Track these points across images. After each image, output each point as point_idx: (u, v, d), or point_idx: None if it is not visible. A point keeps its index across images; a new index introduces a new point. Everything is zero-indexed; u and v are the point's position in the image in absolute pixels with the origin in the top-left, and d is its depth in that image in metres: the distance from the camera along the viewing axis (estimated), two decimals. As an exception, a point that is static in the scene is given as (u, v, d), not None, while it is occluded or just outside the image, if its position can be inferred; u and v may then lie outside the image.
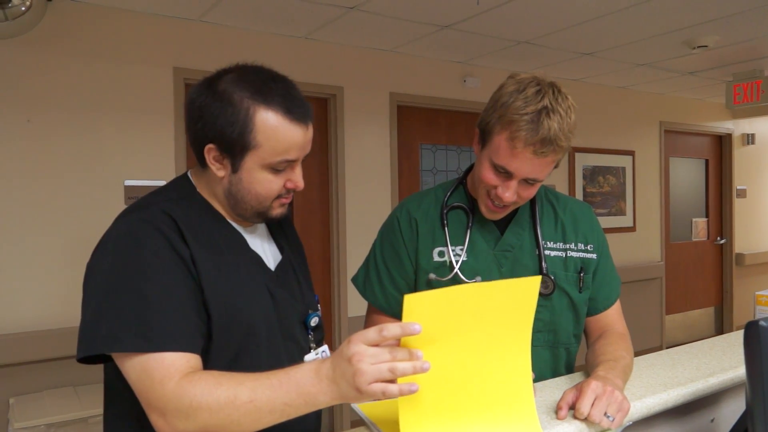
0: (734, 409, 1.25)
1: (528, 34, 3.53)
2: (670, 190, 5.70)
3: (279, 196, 1.09)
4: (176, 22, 3.13)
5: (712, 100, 5.81)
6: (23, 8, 2.48)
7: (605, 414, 0.95)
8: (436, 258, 1.28)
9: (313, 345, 1.16)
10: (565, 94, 1.19)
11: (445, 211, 1.30)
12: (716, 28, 3.49)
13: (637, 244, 5.32)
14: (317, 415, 1.18)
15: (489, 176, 1.19)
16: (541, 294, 1.21)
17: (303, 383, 0.86)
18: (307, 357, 1.12)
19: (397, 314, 1.32)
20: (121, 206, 2.97)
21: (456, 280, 1.24)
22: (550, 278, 1.25)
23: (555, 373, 1.30)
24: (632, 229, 5.28)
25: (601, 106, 5.03)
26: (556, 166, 1.22)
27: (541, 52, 3.90)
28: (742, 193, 6.19)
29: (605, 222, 5.07)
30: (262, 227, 1.20)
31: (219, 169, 1.06)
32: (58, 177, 2.82)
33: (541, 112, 1.12)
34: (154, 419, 0.92)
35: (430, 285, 1.27)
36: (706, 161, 6.04)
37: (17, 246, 2.74)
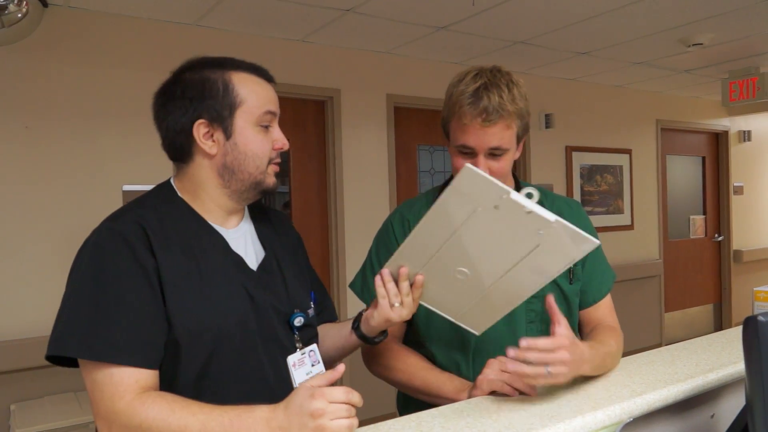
0: (734, 404, 1.26)
1: (524, 34, 3.54)
2: (667, 188, 5.71)
3: (271, 160, 1.12)
4: (173, 27, 3.13)
5: (709, 98, 5.82)
6: (19, 15, 2.49)
7: (545, 366, 0.99)
8: None
9: (299, 345, 1.15)
10: (506, 72, 1.26)
11: None
12: (711, 26, 3.50)
13: (635, 242, 5.33)
14: None
15: (458, 162, 1.27)
16: None
17: (252, 430, 0.89)
18: (291, 358, 1.12)
19: None
20: (120, 211, 2.98)
21: None
22: None
23: None
24: (630, 227, 5.29)
25: (597, 105, 5.04)
26: (521, 138, 1.28)
27: (537, 52, 3.91)
28: (739, 190, 6.21)
29: (603, 220, 5.08)
30: (245, 227, 1.18)
31: (211, 146, 1.08)
32: (57, 182, 2.82)
33: (479, 89, 1.20)
34: (100, 426, 0.95)
35: None
36: (703, 159, 6.06)
37: (16, 252, 2.74)
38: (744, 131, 6.22)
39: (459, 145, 1.25)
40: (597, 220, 5.03)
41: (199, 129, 1.07)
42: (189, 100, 1.08)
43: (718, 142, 6.15)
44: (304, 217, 3.70)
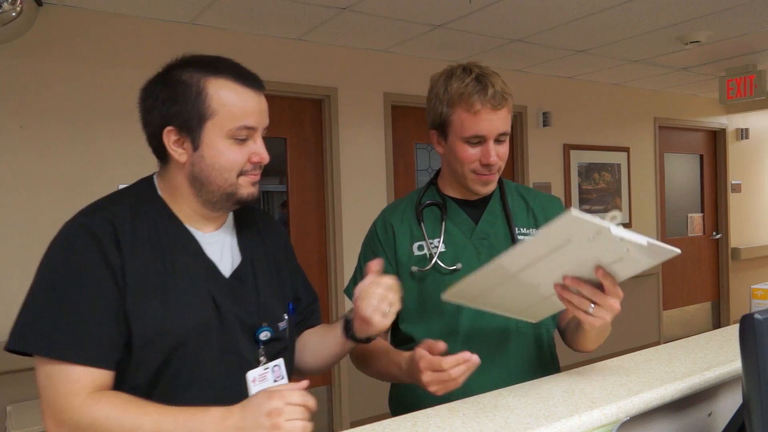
0: (731, 402, 1.25)
1: (521, 32, 3.53)
2: (665, 186, 5.71)
3: (245, 172, 1.05)
4: (168, 26, 3.12)
5: (706, 96, 5.82)
6: (14, 14, 2.48)
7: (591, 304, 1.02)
8: (416, 252, 1.36)
9: (263, 359, 1.09)
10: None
11: (420, 209, 1.38)
12: (708, 24, 3.50)
13: (633, 240, 5.33)
14: None
15: (467, 153, 1.28)
16: None
17: (206, 428, 0.89)
18: (251, 373, 1.05)
19: None
20: (116, 211, 2.97)
21: (436, 269, 1.32)
22: None
23: (539, 354, 1.36)
24: (628, 225, 5.29)
25: (595, 103, 5.04)
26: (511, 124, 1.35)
27: (534, 50, 3.91)
28: (736, 188, 6.21)
29: (601, 219, 5.07)
30: (225, 233, 1.13)
31: (181, 154, 1.04)
32: (52, 182, 2.81)
33: (478, 78, 1.25)
34: (48, 425, 0.93)
35: (413, 277, 1.34)
36: (701, 156, 6.06)
37: (12, 253, 2.73)
38: (741, 129, 6.22)
39: (470, 136, 1.26)
40: (595, 219, 5.03)
41: (169, 136, 1.03)
42: (162, 102, 1.03)
43: (716, 139, 6.15)
44: (301, 217, 3.69)
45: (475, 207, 1.38)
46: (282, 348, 1.15)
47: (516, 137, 4.52)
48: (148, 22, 3.07)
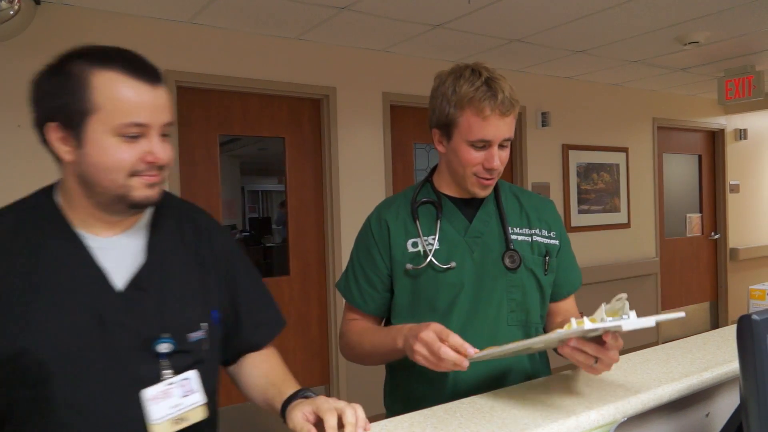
0: (729, 403, 1.25)
1: (520, 32, 3.53)
2: (663, 186, 5.71)
3: (138, 173, 0.95)
4: (167, 25, 3.12)
5: (705, 96, 5.83)
6: (11, 12, 2.47)
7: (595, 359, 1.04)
8: (410, 249, 1.36)
9: (168, 373, 0.98)
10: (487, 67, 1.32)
11: (415, 207, 1.39)
12: (707, 24, 3.50)
13: (631, 240, 5.34)
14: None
15: (471, 156, 1.29)
16: (508, 268, 1.33)
17: None
18: (148, 391, 0.95)
19: (371, 311, 1.41)
20: (114, 210, 2.96)
21: (431, 266, 1.33)
22: (517, 252, 1.34)
23: (530, 354, 1.37)
24: (627, 225, 5.29)
25: (594, 103, 5.04)
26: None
27: (533, 50, 3.91)
28: (735, 188, 6.21)
29: (600, 219, 5.08)
30: (130, 236, 1.03)
31: (66, 152, 0.96)
32: (48, 180, 2.80)
33: (488, 82, 1.25)
34: None
35: (408, 274, 1.34)
36: (700, 157, 6.06)
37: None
38: (740, 129, 6.22)
39: (476, 140, 1.27)
40: (593, 219, 5.03)
41: (53, 132, 0.95)
42: (47, 96, 0.95)
43: (714, 140, 6.16)
44: (299, 216, 3.68)
45: (470, 205, 1.40)
46: (195, 361, 1.03)
47: (515, 137, 4.49)
48: (146, 20, 3.06)
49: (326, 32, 3.41)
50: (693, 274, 5.97)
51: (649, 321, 0.94)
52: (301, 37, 3.49)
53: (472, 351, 1.04)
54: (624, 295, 0.96)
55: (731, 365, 1.20)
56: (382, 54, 3.86)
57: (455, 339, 1.05)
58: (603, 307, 0.98)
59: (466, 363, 1.04)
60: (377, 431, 0.95)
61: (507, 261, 1.33)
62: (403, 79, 3.94)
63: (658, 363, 1.24)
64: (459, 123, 1.28)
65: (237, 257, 1.17)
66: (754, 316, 0.87)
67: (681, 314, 0.99)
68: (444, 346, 1.05)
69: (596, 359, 1.02)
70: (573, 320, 0.96)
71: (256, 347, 1.19)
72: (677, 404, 1.14)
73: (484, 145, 1.28)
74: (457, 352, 1.04)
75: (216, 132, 3.38)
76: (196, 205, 1.20)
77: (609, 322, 0.93)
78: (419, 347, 1.08)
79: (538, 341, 1.02)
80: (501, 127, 1.27)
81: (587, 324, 0.93)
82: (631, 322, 0.93)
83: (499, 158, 1.30)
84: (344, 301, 1.46)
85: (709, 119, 5.98)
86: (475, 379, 1.28)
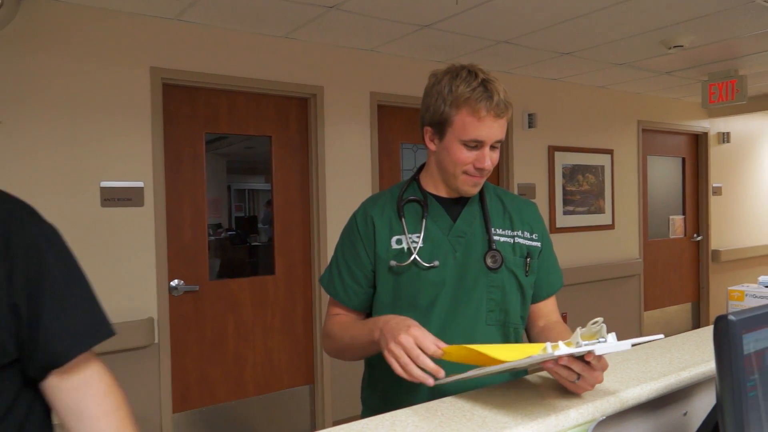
0: (707, 402, 1.27)
1: (507, 34, 3.55)
2: (648, 188, 5.77)
3: None
4: (153, 21, 3.09)
5: (689, 100, 5.90)
6: (-5, 6, 2.44)
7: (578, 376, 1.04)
8: (395, 245, 1.37)
9: None
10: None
11: (401, 204, 1.40)
12: (692, 28, 3.54)
13: (616, 241, 5.39)
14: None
15: (463, 155, 1.31)
16: (490, 268, 1.35)
17: None
18: None
19: (355, 306, 1.42)
20: (98, 208, 2.93)
21: (415, 264, 1.34)
22: (499, 253, 1.36)
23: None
24: (611, 227, 5.34)
25: (580, 105, 5.08)
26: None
27: (520, 52, 3.93)
28: (717, 191, 6.30)
29: (585, 220, 5.13)
30: None
31: None
32: (33, 178, 2.78)
33: (484, 83, 1.28)
34: None
35: (392, 271, 1.36)
36: (683, 159, 6.14)
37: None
38: (723, 133, 6.31)
39: (469, 140, 1.29)
40: (578, 220, 5.08)
41: None
42: None
43: (698, 143, 6.23)
44: (285, 215, 3.68)
45: (455, 205, 1.41)
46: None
47: (501, 138, 4.54)
48: (132, 17, 3.04)
49: (314, 31, 3.40)
50: (675, 275, 6.05)
51: (625, 344, 0.96)
52: (288, 36, 3.49)
53: (442, 374, 1.06)
54: (600, 319, 0.98)
55: (709, 365, 1.22)
56: (370, 54, 3.87)
57: (427, 361, 1.06)
58: (578, 331, 0.99)
59: (431, 381, 1.06)
60: (358, 429, 0.95)
61: (489, 261, 1.35)
62: (391, 79, 3.95)
63: (637, 362, 1.26)
64: (453, 122, 1.30)
65: (47, 253, 0.96)
66: (731, 317, 0.89)
67: (660, 336, 1.03)
68: (423, 355, 1.06)
69: (579, 376, 1.02)
70: (548, 344, 0.97)
71: (59, 359, 0.94)
72: (655, 403, 1.16)
73: (477, 145, 1.30)
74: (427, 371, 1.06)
75: (202, 130, 3.37)
76: (7, 195, 1.00)
77: (583, 347, 0.95)
78: (395, 348, 1.09)
79: (508, 366, 1.02)
80: (494, 129, 1.29)
81: (562, 348, 0.95)
82: (605, 346, 0.95)
83: (490, 159, 1.32)
84: (328, 297, 1.46)
85: (692, 122, 6.05)
86: (459, 383, 1.28)
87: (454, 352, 1.07)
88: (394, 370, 1.09)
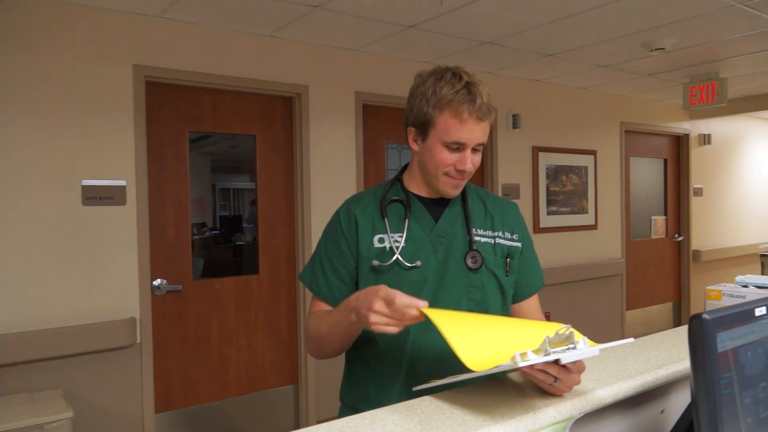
0: (683, 400, 1.29)
1: (492, 35, 3.57)
2: (630, 189, 5.84)
3: None
4: (136, 18, 3.06)
5: (670, 101, 5.97)
6: (-27, 1, 2.40)
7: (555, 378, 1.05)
8: (377, 244, 1.37)
9: None
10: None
11: (384, 204, 1.41)
12: (673, 31, 3.59)
13: (598, 241, 5.44)
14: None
15: (445, 157, 1.32)
16: (470, 269, 1.36)
17: None
18: None
19: (338, 303, 1.38)
20: (79, 206, 2.90)
21: (397, 264, 1.35)
22: (479, 253, 1.37)
23: None
24: (594, 227, 5.39)
25: (564, 106, 5.12)
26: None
27: (504, 53, 3.95)
28: (698, 192, 6.39)
29: (568, 220, 5.17)
30: None
31: None
32: (13, 176, 2.74)
33: (468, 86, 1.29)
34: None
35: (374, 270, 1.36)
36: (665, 161, 6.21)
37: (-31, 247, 2.65)
38: (704, 134, 6.40)
39: (451, 141, 1.30)
40: (562, 220, 5.12)
41: None
42: None
43: (680, 144, 6.32)
44: (270, 214, 3.66)
45: (437, 205, 1.42)
46: None
47: (486, 138, 4.56)
48: (114, 13, 3.01)
49: (299, 30, 3.39)
50: (657, 275, 6.12)
51: (593, 350, 0.98)
52: (273, 35, 3.47)
53: (422, 303, 1.08)
54: (567, 326, 1.00)
55: (686, 363, 1.23)
56: (354, 53, 3.87)
57: (403, 297, 1.09)
58: (546, 339, 1.00)
59: (424, 303, 1.09)
60: (339, 428, 0.96)
61: (469, 261, 1.36)
62: (376, 79, 3.95)
63: (615, 361, 1.27)
64: (436, 123, 1.31)
65: None
66: (705, 315, 0.90)
67: (630, 340, 1.06)
68: (400, 294, 1.08)
69: (556, 379, 1.03)
70: (516, 354, 0.97)
71: None
72: (633, 401, 1.17)
73: (458, 147, 1.30)
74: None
75: (186, 128, 3.34)
76: None
77: (551, 355, 0.96)
78: (375, 318, 1.10)
79: (480, 374, 1.02)
80: (476, 131, 1.30)
81: (531, 357, 0.96)
82: (573, 353, 0.96)
83: (472, 161, 1.33)
84: (311, 296, 1.46)
85: (674, 124, 6.13)
86: (432, 376, 1.29)
87: (434, 315, 1.09)
88: (386, 331, 1.11)
